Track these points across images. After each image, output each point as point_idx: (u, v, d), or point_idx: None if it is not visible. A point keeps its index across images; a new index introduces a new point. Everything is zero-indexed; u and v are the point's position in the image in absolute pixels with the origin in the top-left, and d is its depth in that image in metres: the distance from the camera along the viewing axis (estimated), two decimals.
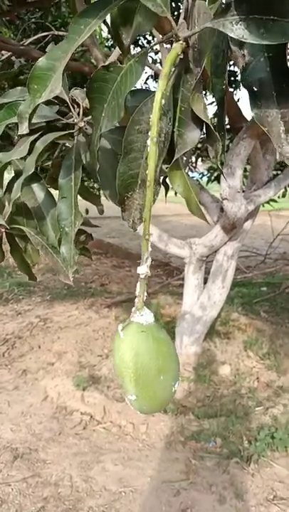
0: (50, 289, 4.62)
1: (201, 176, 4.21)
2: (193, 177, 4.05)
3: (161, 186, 0.61)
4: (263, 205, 2.91)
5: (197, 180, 4.05)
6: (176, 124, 0.49)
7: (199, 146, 3.75)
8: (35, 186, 0.70)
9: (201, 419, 2.31)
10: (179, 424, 2.27)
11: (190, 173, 4.02)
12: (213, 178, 3.79)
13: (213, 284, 2.74)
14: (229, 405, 2.46)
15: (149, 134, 0.40)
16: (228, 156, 2.34)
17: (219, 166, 0.50)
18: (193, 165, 4.04)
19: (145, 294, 0.47)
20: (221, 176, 2.38)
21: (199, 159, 4.00)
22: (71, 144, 0.65)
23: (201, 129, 0.49)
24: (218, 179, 3.66)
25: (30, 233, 0.67)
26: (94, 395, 2.57)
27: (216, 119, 0.51)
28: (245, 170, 3.15)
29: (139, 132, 0.47)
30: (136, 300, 0.47)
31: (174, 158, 0.49)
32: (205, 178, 4.08)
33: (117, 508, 1.73)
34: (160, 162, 0.49)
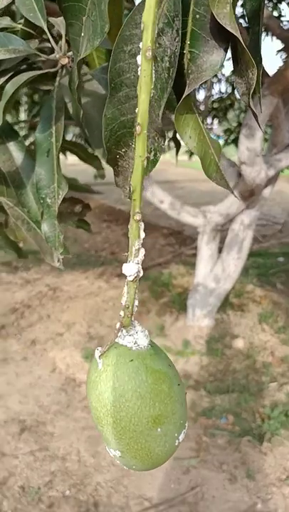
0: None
1: (217, 138, 3.95)
2: None
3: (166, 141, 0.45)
4: (283, 171, 2.71)
5: None
6: (188, 42, 0.34)
7: (216, 105, 3.49)
8: (11, 145, 0.56)
9: (213, 395, 2.25)
10: (190, 399, 2.21)
11: None
12: (230, 140, 3.56)
13: (228, 255, 2.60)
14: (242, 380, 2.38)
15: (141, 45, 0.26)
16: (247, 115, 2.13)
17: (251, 107, 0.35)
18: (209, 126, 3.78)
19: (136, 303, 0.31)
20: (240, 138, 2.18)
21: (215, 120, 3.74)
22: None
23: (226, 49, 0.33)
24: (235, 142, 3.43)
25: (8, 204, 0.54)
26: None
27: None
28: (265, 132, 2.93)
29: (132, 56, 0.32)
30: (121, 313, 0.32)
31: (185, 93, 0.33)
32: (221, 142, 3.84)
33: (125, 484, 1.69)
34: (164, 98, 0.34)
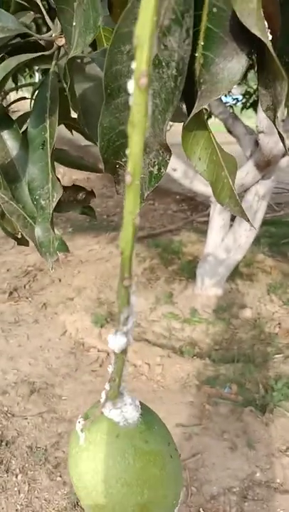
0: (71, 220, 4.53)
1: (235, 101, 3.76)
2: (226, 102, 3.65)
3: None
4: None
5: (230, 106, 3.64)
6: (201, 43, 0.27)
7: None
8: (5, 134, 0.51)
9: (218, 364, 2.28)
10: (195, 367, 2.25)
11: (223, 97, 3.60)
12: (248, 104, 3.39)
13: (240, 226, 2.55)
14: (247, 350, 2.41)
15: (133, 65, 0.19)
16: None
17: (278, 127, 0.29)
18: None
19: (124, 374, 0.27)
20: (259, 104, 2.07)
21: None
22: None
23: (249, 54, 0.27)
24: (254, 106, 3.27)
25: (2, 198, 0.51)
26: (111, 333, 2.56)
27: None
28: None
29: (132, 58, 0.26)
30: (106, 386, 0.27)
31: (195, 110, 0.28)
32: (239, 104, 3.65)
33: None
34: (169, 111, 0.29)
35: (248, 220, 0.35)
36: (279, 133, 0.32)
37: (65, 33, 0.32)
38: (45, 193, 0.45)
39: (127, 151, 0.20)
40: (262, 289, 3.03)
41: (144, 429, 0.28)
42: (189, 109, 0.30)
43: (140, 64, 0.19)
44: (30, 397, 2.03)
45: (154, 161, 0.33)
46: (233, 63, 0.28)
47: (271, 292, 2.98)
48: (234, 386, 2.10)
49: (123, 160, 0.33)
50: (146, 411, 0.29)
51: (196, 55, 0.29)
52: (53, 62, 0.45)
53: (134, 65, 0.19)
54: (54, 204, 0.45)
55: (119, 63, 0.28)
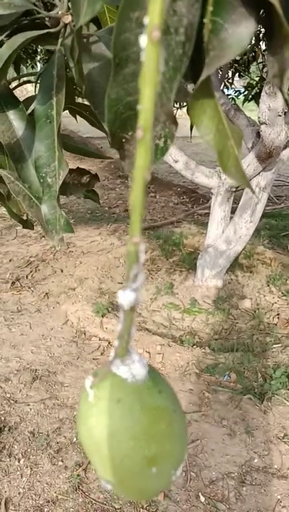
0: (73, 212, 4.55)
1: (237, 94, 3.75)
2: (228, 95, 3.64)
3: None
4: None
5: (232, 98, 3.64)
6: (210, 9, 0.27)
7: (237, 57, 3.28)
8: (11, 114, 0.52)
9: (217, 353, 2.31)
10: (195, 356, 2.28)
11: (225, 90, 3.60)
12: (250, 96, 3.38)
13: (240, 218, 2.56)
14: (247, 340, 2.44)
15: (146, 20, 0.19)
16: None
17: (285, 96, 0.30)
18: (230, 81, 3.57)
19: (133, 332, 0.27)
20: (261, 96, 2.07)
21: (236, 74, 3.52)
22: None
23: (257, 18, 0.27)
24: (256, 98, 3.26)
25: (8, 178, 0.52)
26: (112, 322, 2.59)
27: None
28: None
29: (141, 25, 0.26)
30: (115, 342, 0.28)
31: (202, 76, 0.27)
32: (241, 97, 3.64)
33: None
34: (176, 79, 0.28)
35: (253, 192, 0.36)
36: (285, 100, 0.32)
37: (73, 4, 0.32)
38: (51, 170, 0.46)
39: (139, 107, 0.20)
40: (261, 280, 3.06)
41: (151, 386, 0.29)
42: (196, 78, 0.30)
43: (153, 17, 0.19)
44: (33, 384, 2.06)
45: (160, 133, 0.33)
46: (242, 28, 0.27)
47: (271, 283, 3.01)
48: (233, 374, 2.13)
49: (130, 134, 0.34)
50: (152, 370, 0.30)
51: (205, 21, 0.28)
52: (59, 41, 0.45)
53: (146, 20, 0.20)
54: (60, 181, 0.46)
55: (128, 31, 0.27)
